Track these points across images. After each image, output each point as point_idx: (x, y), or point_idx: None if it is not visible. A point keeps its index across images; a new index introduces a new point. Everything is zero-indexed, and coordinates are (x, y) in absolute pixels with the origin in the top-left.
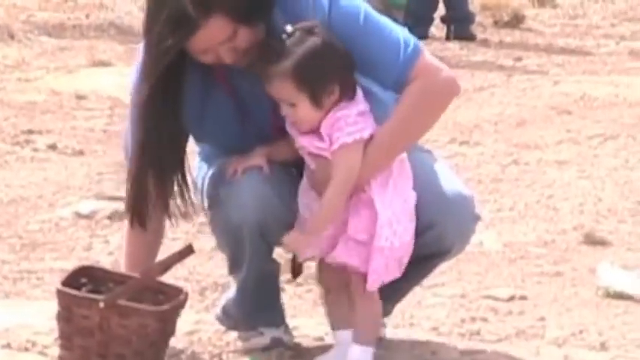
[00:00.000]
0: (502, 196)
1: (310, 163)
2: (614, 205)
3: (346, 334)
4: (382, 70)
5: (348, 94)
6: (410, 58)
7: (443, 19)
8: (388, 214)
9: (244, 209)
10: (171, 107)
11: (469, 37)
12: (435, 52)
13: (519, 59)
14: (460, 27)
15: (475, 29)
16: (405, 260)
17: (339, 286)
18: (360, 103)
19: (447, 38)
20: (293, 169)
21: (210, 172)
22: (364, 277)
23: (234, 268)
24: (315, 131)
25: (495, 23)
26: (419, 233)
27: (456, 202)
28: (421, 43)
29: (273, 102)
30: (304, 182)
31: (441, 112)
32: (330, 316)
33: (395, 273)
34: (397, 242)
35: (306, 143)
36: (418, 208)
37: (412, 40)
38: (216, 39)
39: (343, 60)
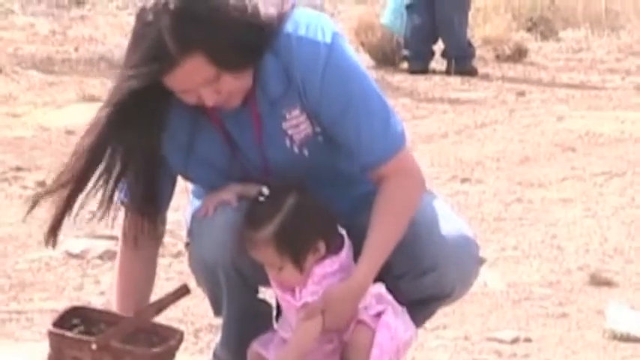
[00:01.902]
0: (505, 235)
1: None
2: (620, 245)
3: None
4: (360, 148)
5: (334, 246)
6: (392, 147)
7: (443, 54)
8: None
9: (216, 246)
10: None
11: (470, 72)
12: (436, 87)
13: (522, 94)
14: (461, 61)
15: (476, 63)
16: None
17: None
18: (342, 257)
19: (448, 73)
20: None
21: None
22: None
23: (216, 308)
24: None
25: (497, 57)
26: (419, 276)
27: (457, 244)
28: (405, 133)
29: (263, 147)
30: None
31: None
32: None
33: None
34: (402, 333)
35: (279, 295)
36: (419, 250)
37: (399, 127)
38: (195, 80)
39: (323, 215)
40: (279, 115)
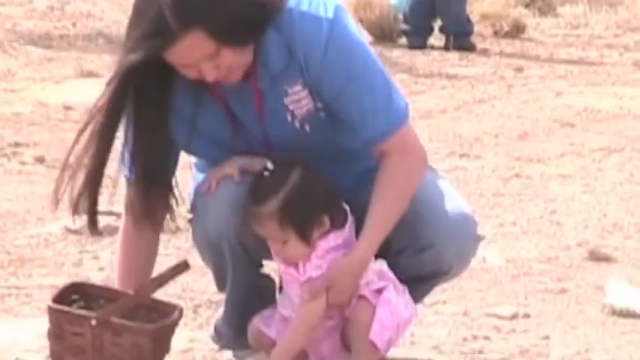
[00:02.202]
0: (504, 211)
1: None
2: (619, 221)
3: None
4: (362, 123)
5: (339, 221)
6: (394, 123)
7: (442, 29)
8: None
9: (220, 219)
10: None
11: (469, 48)
12: (434, 62)
13: (520, 70)
14: (459, 37)
15: (474, 39)
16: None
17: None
18: (346, 233)
19: (446, 48)
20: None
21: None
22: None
23: (220, 284)
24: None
25: (495, 33)
26: (417, 252)
27: (456, 223)
28: (408, 109)
29: (264, 122)
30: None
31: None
32: None
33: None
34: (400, 310)
35: (282, 269)
36: (418, 227)
37: (402, 102)
38: (195, 55)
39: (327, 190)
40: (281, 91)
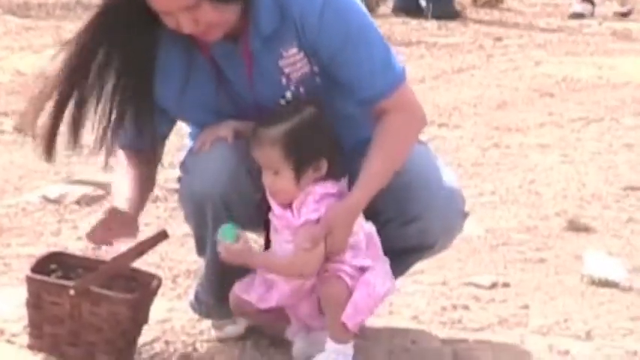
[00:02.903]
0: (483, 180)
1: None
2: (598, 191)
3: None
4: (360, 83)
5: (335, 173)
6: (392, 82)
7: None
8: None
9: (208, 179)
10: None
11: (451, 15)
12: (412, 31)
13: (499, 39)
14: (439, 4)
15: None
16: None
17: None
18: (342, 185)
19: (424, 17)
20: None
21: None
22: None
23: (200, 247)
24: (290, 204)
25: (474, 2)
26: (403, 224)
27: (444, 197)
28: (405, 70)
29: (253, 84)
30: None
31: (414, 144)
32: None
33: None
34: (378, 289)
35: (277, 213)
36: (404, 199)
37: (399, 63)
38: (174, 2)
39: (333, 137)
40: (276, 53)
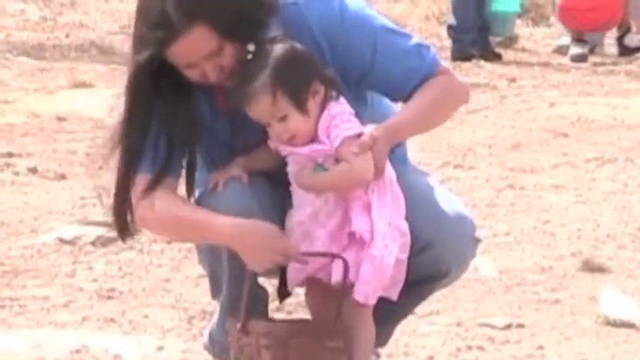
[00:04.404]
0: (497, 221)
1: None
2: (612, 231)
3: None
4: (398, 86)
5: (333, 90)
6: (431, 64)
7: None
8: (383, 225)
9: None
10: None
11: (494, 56)
12: None
13: (513, 80)
14: (483, 47)
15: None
16: (400, 281)
17: (328, 308)
18: (347, 105)
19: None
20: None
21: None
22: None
23: (215, 289)
24: (313, 139)
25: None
26: (415, 254)
27: (454, 224)
28: (437, 56)
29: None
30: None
31: (454, 112)
32: None
33: (389, 290)
34: (387, 258)
35: (307, 151)
36: (416, 229)
37: (431, 53)
38: (198, 51)
39: (314, 58)
40: None
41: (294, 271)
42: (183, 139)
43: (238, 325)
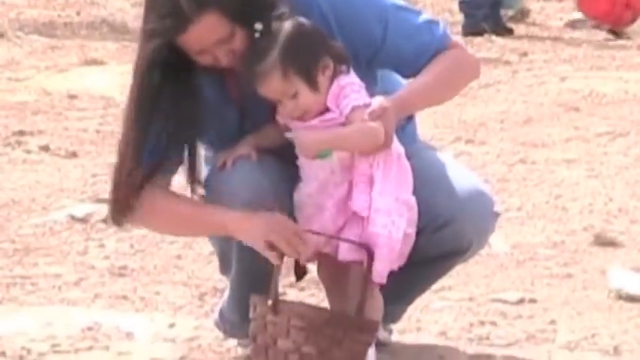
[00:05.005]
0: (509, 196)
1: None
2: (625, 205)
3: None
4: (409, 62)
5: (342, 64)
6: (442, 39)
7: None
8: (387, 202)
9: (232, 196)
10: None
11: (505, 31)
12: None
13: (525, 55)
14: (494, 22)
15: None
16: (405, 255)
17: (340, 283)
18: (356, 77)
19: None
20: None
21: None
22: (365, 269)
23: (224, 266)
24: (322, 112)
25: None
26: (436, 230)
27: (473, 199)
28: (447, 30)
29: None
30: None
31: (465, 85)
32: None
33: (396, 264)
34: (396, 234)
35: (317, 123)
36: (435, 205)
37: (440, 28)
38: (210, 38)
39: (322, 33)
40: None
41: None
42: (188, 128)
43: (269, 302)
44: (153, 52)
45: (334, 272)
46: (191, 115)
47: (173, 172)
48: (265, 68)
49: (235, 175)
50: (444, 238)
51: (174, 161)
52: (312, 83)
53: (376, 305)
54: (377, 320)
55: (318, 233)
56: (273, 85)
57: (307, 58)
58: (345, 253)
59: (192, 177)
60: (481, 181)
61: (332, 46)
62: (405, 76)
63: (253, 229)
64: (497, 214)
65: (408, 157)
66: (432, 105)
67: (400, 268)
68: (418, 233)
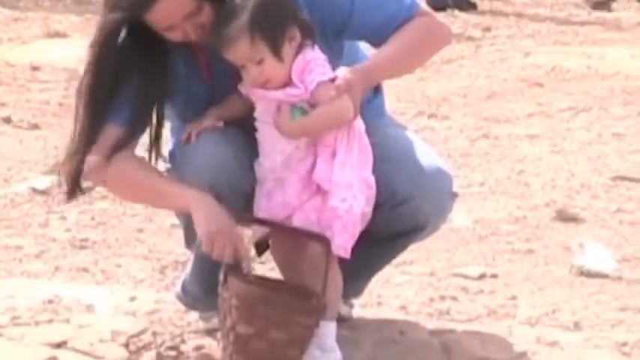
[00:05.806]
0: (472, 171)
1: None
2: (587, 181)
3: None
4: (379, 31)
5: (309, 37)
6: (410, 7)
7: None
8: (348, 176)
9: (198, 170)
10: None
11: (469, 6)
12: None
13: (488, 30)
14: None
15: None
16: (357, 231)
17: (294, 260)
18: (320, 52)
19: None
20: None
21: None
22: (322, 244)
23: (188, 237)
24: (286, 84)
25: None
26: (394, 206)
27: (433, 177)
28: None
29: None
30: (270, 138)
31: (435, 52)
32: None
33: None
34: (357, 209)
35: (281, 96)
36: (395, 182)
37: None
38: (178, 13)
39: (292, 4)
40: None
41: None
42: (154, 97)
43: (220, 278)
44: (113, 23)
45: (289, 249)
46: (159, 80)
47: (136, 139)
48: (233, 32)
49: (200, 149)
50: (401, 214)
51: (139, 132)
52: (278, 51)
53: (335, 282)
54: (324, 304)
55: (267, 222)
56: (239, 49)
57: (275, 25)
58: (305, 226)
59: (157, 148)
60: (442, 160)
61: (301, 19)
62: (375, 45)
63: (201, 218)
64: (455, 194)
65: (371, 133)
66: (400, 74)
67: (358, 244)
68: (376, 208)
